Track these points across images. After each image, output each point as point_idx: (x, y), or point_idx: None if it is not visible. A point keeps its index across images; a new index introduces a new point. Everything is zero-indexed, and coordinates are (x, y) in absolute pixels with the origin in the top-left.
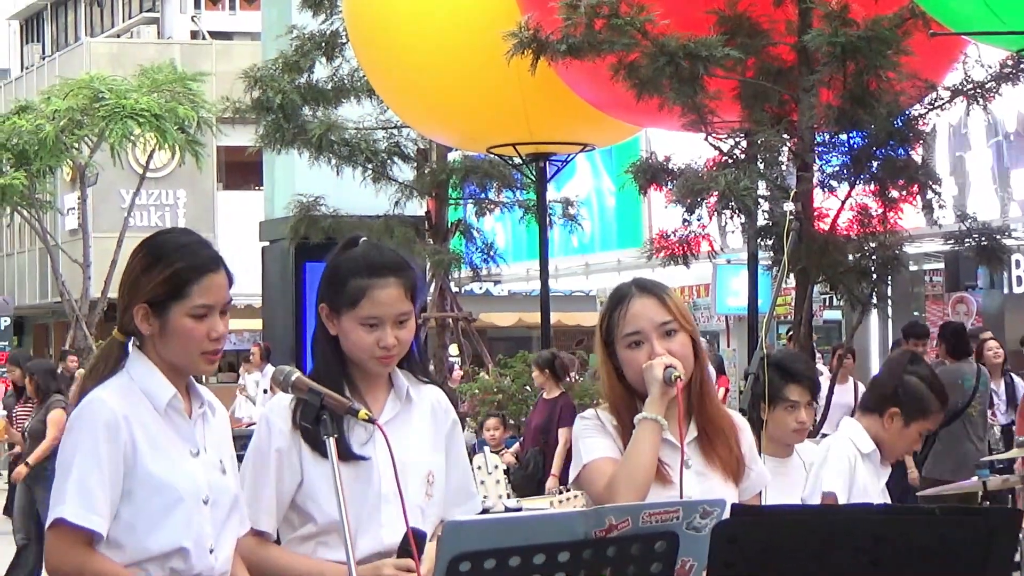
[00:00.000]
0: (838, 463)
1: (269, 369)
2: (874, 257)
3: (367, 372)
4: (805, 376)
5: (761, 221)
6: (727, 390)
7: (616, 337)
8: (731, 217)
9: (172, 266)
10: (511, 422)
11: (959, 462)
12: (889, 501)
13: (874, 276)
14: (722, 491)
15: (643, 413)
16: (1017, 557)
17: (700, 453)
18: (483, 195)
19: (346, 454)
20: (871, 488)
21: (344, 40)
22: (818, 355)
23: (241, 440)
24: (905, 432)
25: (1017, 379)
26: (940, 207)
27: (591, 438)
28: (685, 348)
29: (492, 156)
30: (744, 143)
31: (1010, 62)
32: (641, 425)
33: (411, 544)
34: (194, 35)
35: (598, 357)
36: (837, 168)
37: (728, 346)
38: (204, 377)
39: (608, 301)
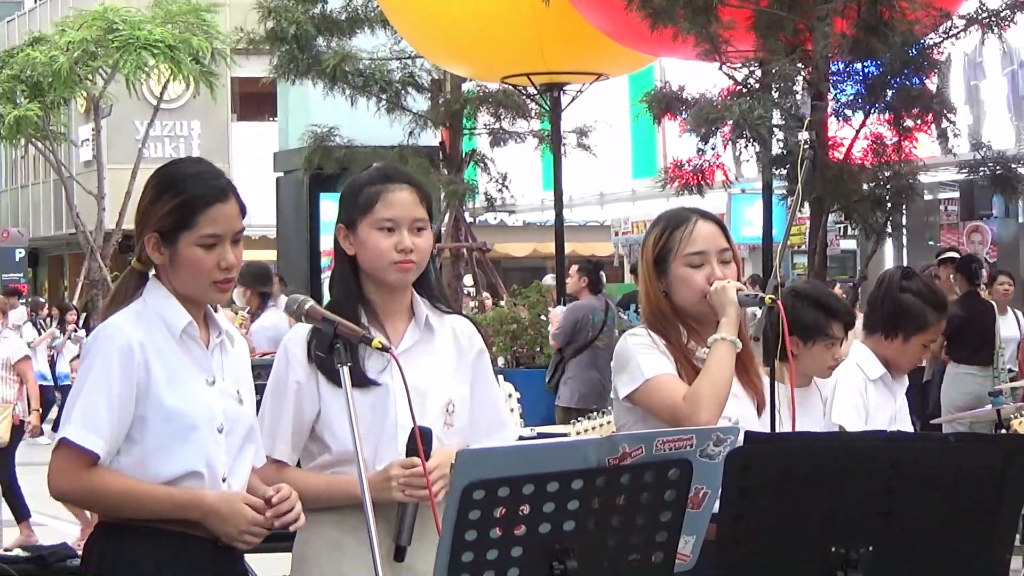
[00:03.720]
0: (848, 396)
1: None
2: (889, 186)
3: (387, 291)
4: (846, 312)
5: (775, 150)
6: None
7: (675, 255)
8: (745, 146)
9: (179, 196)
10: (524, 351)
11: (589, 388)
12: (908, 414)
13: (889, 205)
14: (753, 418)
15: (720, 334)
16: None
17: (735, 377)
18: (497, 125)
19: (360, 380)
20: (886, 409)
21: None
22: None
23: (258, 370)
24: (906, 347)
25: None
26: (955, 136)
27: (650, 354)
28: (734, 279)
29: (506, 86)
30: (758, 72)
31: None
32: (718, 345)
33: (417, 441)
34: None
35: (645, 276)
36: (851, 97)
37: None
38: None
39: (663, 222)
